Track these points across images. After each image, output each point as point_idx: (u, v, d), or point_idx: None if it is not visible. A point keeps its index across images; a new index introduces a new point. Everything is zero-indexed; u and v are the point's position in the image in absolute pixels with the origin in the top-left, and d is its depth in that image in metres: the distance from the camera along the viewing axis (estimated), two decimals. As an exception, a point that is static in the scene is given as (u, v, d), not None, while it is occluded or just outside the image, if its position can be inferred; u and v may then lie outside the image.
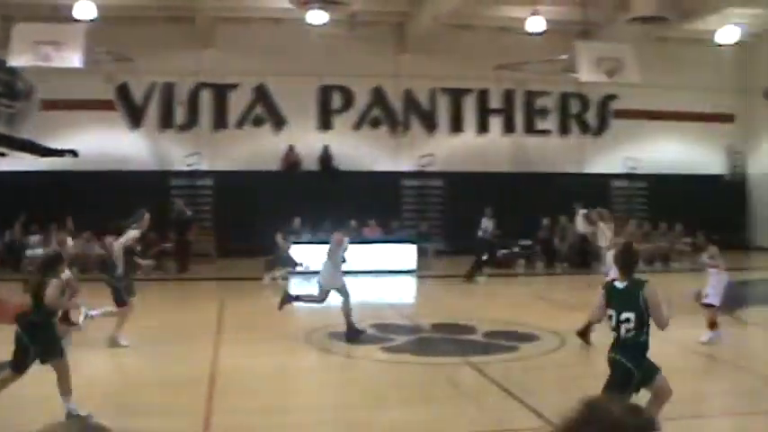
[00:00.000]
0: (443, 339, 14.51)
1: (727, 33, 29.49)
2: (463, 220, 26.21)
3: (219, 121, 29.41)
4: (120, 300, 13.50)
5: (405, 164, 30.46)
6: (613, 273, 13.37)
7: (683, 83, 31.86)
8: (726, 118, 33.90)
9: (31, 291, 9.32)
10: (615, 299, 7.64)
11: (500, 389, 10.79)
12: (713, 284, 13.98)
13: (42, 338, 9.12)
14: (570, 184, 30.03)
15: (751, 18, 30.25)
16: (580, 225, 25.27)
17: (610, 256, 16.09)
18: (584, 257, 25.84)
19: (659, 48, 30.71)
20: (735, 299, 19.06)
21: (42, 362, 9.08)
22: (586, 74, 26.23)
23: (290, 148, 29.20)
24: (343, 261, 14.93)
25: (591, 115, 32.68)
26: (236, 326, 15.83)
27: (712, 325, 13.80)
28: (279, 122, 29.61)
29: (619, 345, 7.63)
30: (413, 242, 25.13)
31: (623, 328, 7.52)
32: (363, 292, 20.92)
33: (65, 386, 9.06)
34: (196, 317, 17.06)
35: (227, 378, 11.26)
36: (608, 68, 25.73)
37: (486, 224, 24.29)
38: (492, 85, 30.96)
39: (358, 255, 24.10)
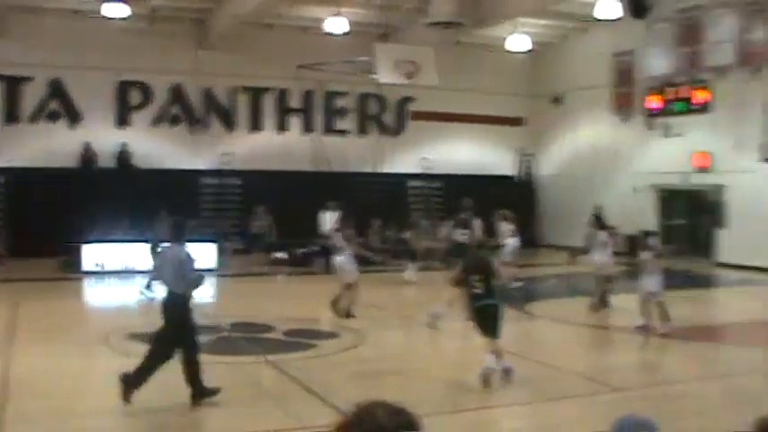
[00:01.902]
0: (243, 338, 14.54)
1: (519, 41, 30.76)
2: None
3: (11, 116, 28.13)
4: None
5: (203, 162, 30.16)
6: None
7: (478, 86, 33.10)
8: (517, 121, 35.46)
9: (483, 271, 11.42)
10: None
11: (301, 387, 10.95)
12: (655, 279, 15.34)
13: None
14: (368, 183, 30.68)
15: (540, 28, 31.74)
16: (325, 223, 25.59)
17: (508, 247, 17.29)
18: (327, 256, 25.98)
19: (456, 52, 31.77)
20: (525, 294, 19.99)
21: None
22: (385, 75, 26.77)
23: (87, 145, 28.37)
24: None
25: (389, 116, 33.37)
26: (30, 329, 15.29)
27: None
28: (75, 118, 28.70)
29: None
30: (212, 241, 24.89)
31: None
32: (162, 291, 20.62)
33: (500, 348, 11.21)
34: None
35: (20, 384, 10.91)
36: (406, 71, 26.36)
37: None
38: (292, 85, 31.08)
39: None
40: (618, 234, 18.31)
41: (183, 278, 10.08)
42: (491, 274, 11.53)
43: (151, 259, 20.97)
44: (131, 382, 9.72)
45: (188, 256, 10.22)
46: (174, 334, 10.11)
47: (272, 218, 26.74)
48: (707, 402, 10.93)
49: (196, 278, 10.22)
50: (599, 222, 18.62)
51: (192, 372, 10.01)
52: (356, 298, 16.85)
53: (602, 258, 17.73)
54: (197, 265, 10.34)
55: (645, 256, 15.58)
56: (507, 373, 11.20)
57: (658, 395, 11.12)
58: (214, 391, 10.02)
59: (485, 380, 10.86)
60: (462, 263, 12.11)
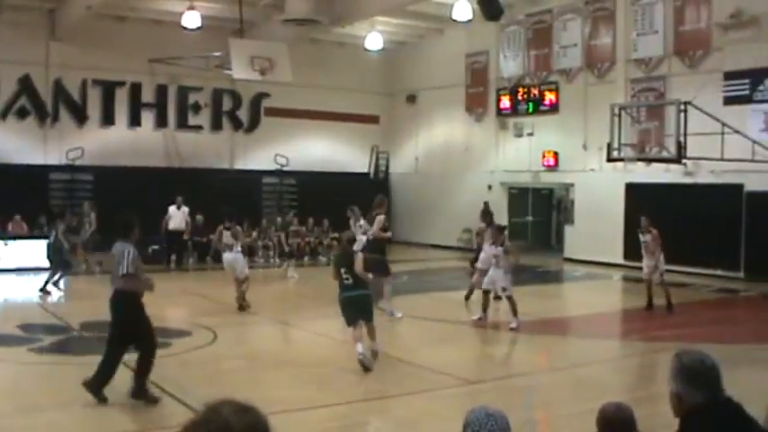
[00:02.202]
0: (95, 338, 14.22)
1: (374, 40, 31.06)
2: (114, 215, 25.67)
3: None
4: None
5: (53, 157, 29.21)
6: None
7: (334, 84, 33.28)
8: (372, 119, 35.76)
9: (346, 264, 12.19)
10: None
11: (154, 386, 10.79)
12: (507, 277, 15.75)
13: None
14: (222, 179, 30.41)
15: (397, 27, 32.13)
16: (173, 218, 25.46)
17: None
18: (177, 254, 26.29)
19: (312, 49, 31.85)
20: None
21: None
22: (239, 71, 26.61)
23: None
24: None
25: (243, 112, 33.14)
26: None
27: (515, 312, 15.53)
28: None
29: None
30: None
31: None
32: (9, 290, 20.01)
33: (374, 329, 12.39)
34: None
35: None
36: (261, 67, 26.25)
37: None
38: (145, 79, 30.55)
39: (2, 251, 23.19)
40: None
41: (116, 274, 9.88)
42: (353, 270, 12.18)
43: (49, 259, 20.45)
44: (94, 385, 9.74)
45: (123, 252, 9.89)
46: (120, 331, 9.97)
47: (95, 214, 25.77)
48: (554, 393, 11.31)
49: (127, 274, 9.87)
50: (486, 218, 19.20)
51: (140, 367, 9.98)
52: (246, 291, 17.40)
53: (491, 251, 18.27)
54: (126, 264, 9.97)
55: (497, 251, 16.00)
56: (375, 355, 12.11)
57: (508, 387, 11.46)
58: (155, 399, 9.95)
59: (363, 366, 11.60)
60: (332, 258, 12.96)
